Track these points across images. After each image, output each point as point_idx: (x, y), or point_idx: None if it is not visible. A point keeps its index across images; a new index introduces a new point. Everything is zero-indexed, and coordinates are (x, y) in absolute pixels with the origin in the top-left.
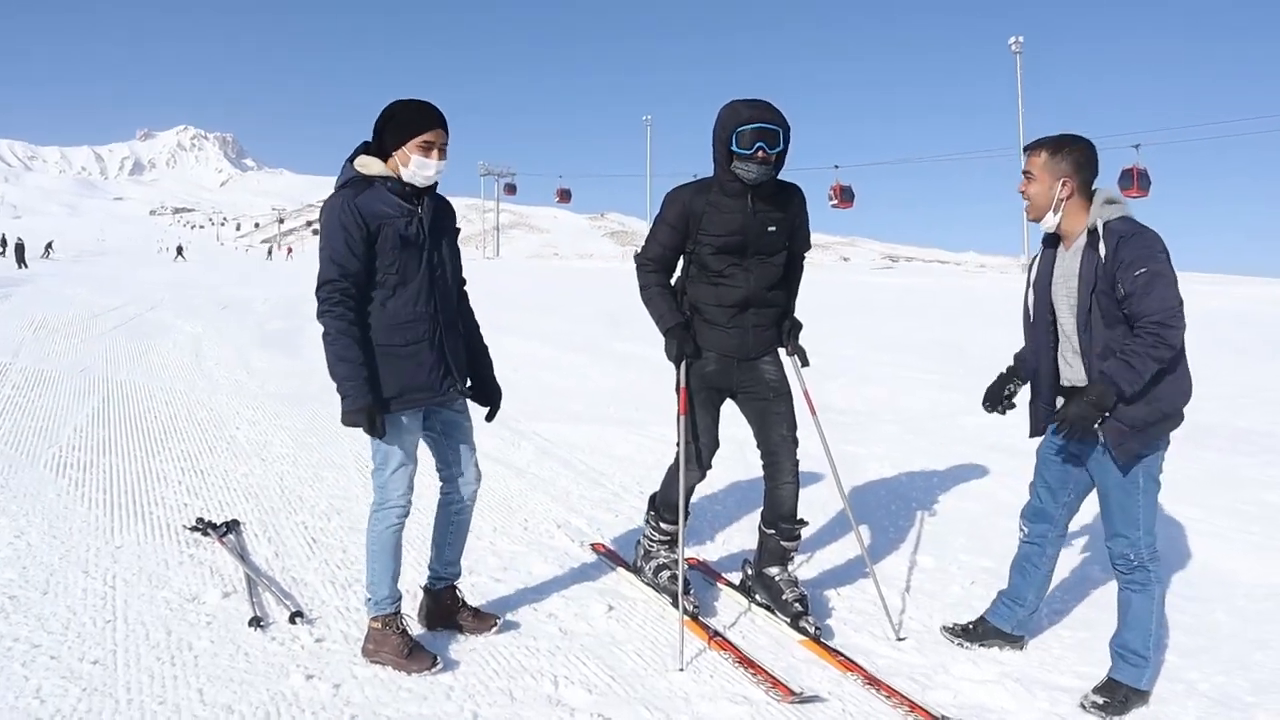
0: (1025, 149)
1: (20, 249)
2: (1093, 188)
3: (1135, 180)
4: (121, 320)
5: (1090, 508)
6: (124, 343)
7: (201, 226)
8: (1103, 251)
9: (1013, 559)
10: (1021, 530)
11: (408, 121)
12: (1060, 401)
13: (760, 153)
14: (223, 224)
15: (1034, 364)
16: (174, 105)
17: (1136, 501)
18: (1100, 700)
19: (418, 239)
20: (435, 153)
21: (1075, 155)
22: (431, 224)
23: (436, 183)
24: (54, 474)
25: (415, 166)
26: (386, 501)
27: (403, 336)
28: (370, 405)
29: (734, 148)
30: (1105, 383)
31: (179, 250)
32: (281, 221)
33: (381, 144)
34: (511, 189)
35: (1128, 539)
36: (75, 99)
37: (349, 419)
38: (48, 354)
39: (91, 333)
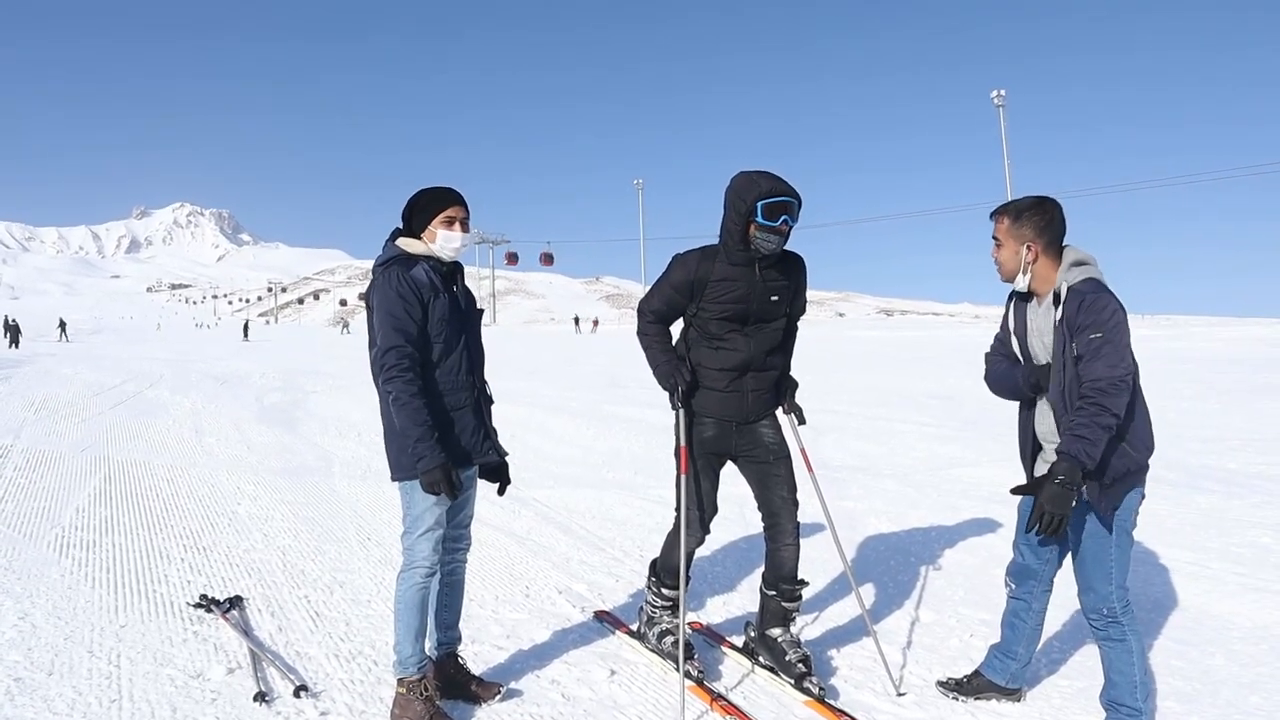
0: (991, 215)
1: (15, 329)
2: (1063, 245)
3: None
4: (121, 398)
5: None
6: (124, 421)
7: (197, 302)
8: (1059, 314)
9: (1003, 614)
10: (1008, 586)
11: (430, 202)
12: (1043, 460)
13: (784, 225)
14: (215, 299)
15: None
16: (170, 182)
17: (1109, 555)
18: None
19: (458, 314)
20: (458, 226)
21: (1037, 219)
22: (466, 302)
23: (462, 267)
24: (57, 554)
25: (442, 240)
26: (413, 563)
27: (447, 404)
28: (447, 463)
29: (759, 219)
30: (1068, 460)
31: (245, 329)
32: (284, 289)
33: (411, 228)
34: (513, 258)
35: (1098, 593)
36: (72, 178)
37: (429, 478)
38: (49, 434)
39: (92, 411)
